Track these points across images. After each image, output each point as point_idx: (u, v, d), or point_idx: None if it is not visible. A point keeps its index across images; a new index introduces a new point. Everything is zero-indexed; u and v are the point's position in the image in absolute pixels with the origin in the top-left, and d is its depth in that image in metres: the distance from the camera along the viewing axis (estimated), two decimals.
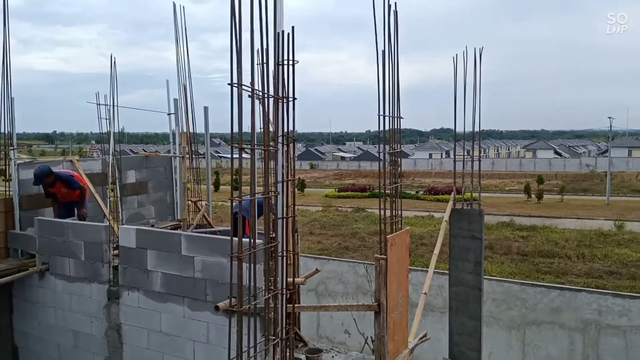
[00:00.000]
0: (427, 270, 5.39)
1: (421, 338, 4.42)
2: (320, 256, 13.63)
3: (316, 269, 4.86)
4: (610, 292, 9.31)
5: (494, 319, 9.22)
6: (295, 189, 5.11)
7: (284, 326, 3.17)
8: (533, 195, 42.01)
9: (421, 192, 47.19)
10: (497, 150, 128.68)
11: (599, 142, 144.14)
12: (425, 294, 4.81)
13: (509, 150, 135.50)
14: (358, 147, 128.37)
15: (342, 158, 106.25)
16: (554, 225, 28.29)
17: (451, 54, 5.63)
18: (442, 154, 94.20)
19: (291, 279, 4.67)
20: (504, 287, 9.23)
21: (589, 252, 20.60)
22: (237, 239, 2.58)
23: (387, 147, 4.09)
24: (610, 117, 46.79)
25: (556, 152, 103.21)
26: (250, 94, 3.00)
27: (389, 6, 3.75)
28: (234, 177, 2.67)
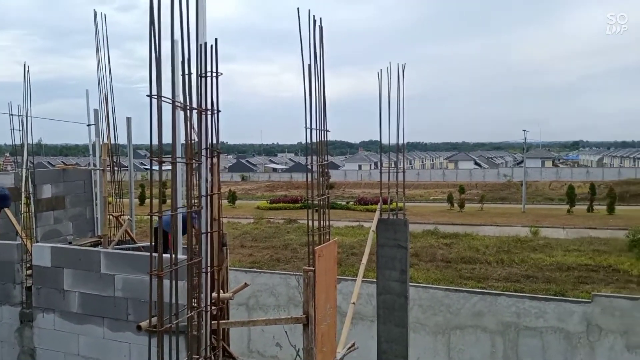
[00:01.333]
0: (357, 280, 5.48)
1: (349, 348, 4.46)
2: (251, 269, 13.45)
3: (245, 283, 4.78)
4: (528, 295, 9.86)
5: (420, 325, 9.48)
6: (222, 202, 5.01)
7: (208, 344, 3.08)
8: (455, 204, 43.97)
9: (351, 203, 48.01)
10: (422, 162, 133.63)
11: (515, 154, 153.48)
12: (353, 303, 4.86)
13: (432, 161, 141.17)
14: (290, 159, 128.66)
15: (274, 169, 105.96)
16: (475, 233, 29.72)
17: (378, 68, 5.81)
18: (371, 165, 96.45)
19: (219, 295, 4.57)
20: (429, 294, 9.52)
21: (508, 258, 21.80)
22: (157, 255, 2.49)
23: (315, 159, 4.12)
24: (524, 130, 49.93)
25: (476, 163, 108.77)
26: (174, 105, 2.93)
27: (314, 21, 3.81)
28: (154, 191, 2.57)
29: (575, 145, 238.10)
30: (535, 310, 8.88)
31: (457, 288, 11.70)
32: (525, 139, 50.53)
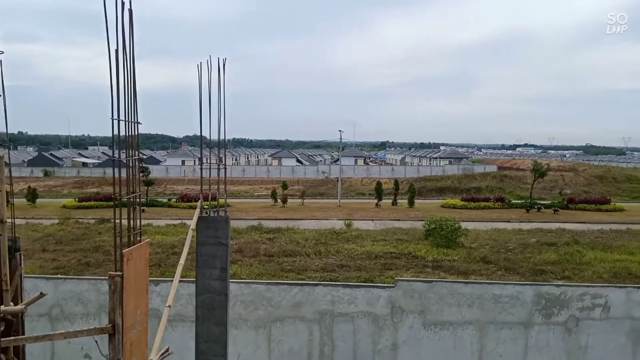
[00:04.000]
0: (174, 281, 5.21)
1: (162, 354, 4.22)
2: (54, 276, 12.01)
3: (40, 293, 4.21)
4: (341, 283, 10.54)
5: (242, 321, 9.50)
6: (18, 201, 4.37)
7: None
8: (279, 200, 45.33)
9: (174, 200, 46.18)
10: (248, 158, 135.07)
11: (332, 152, 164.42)
12: (169, 306, 4.62)
13: (258, 158, 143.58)
14: (103, 153, 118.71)
15: (84, 164, 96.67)
16: (297, 227, 31.02)
17: (200, 61, 5.60)
18: (195, 160, 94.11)
19: (7, 308, 3.93)
20: (251, 289, 9.59)
21: (325, 249, 23.18)
22: None
23: (124, 153, 3.79)
24: (340, 131, 53.55)
25: (298, 161, 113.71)
26: None
27: (122, 3, 3.49)
28: None
29: (383, 146, 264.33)
30: (347, 297, 9.53)
31: (278, 281, 12.01)
32: (341, 138, 54.32)
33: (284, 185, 48.95)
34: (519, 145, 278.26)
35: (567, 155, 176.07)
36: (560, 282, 15.34)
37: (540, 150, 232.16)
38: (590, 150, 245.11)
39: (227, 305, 5.61)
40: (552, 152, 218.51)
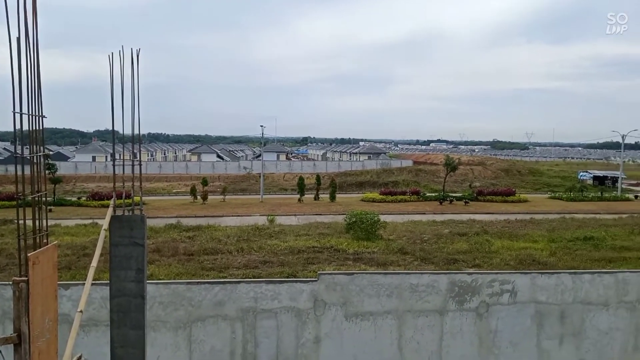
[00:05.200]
0: (85, 285, 4.92)
1: None
2: None
3: None
4: (264, 279, 10.49)
5: (161, 323, 9.20)
6: None
7: None
8: (199, 197, 44.26)
9: (84, 198, 43.68)
10: (165, 154, 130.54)
11: (254, 147, 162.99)
12: (81, 311, 4.36)
13: (176, 153, 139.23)
14: (4, 149, 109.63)
15: None
16: (218, 224, 30.45)
17: (111, 51, 5.31)
18: (107, 156, 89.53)
19: None
20: (170, 289, 9.30)
21: (247, 246, 22.97)
22: None
23: (27, 149, 3.52)
24: (262, 126, 53.21)
25: (219, 156, 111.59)
26: None
27: None
28: None
29: (305, 141, 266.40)
30: (271, 293, 9.51)
31: (198, 280, 11.74)
32: (263, 134, 53.96)
33: (204, 182, 47.85)
34: (432, 141, 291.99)
35: (476, 150, 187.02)
36: (471, 270, 16.28)
37: (452, 146, 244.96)
38: (497, 145, 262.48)
39: (144, 307, 5.40)
40: (463, 147, 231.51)
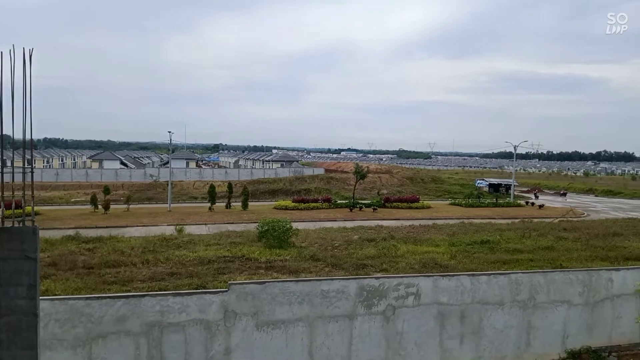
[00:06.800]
0: None
1: None
2: None
3: None
4: (171, 292, 10.09)
5: (57, 341, 8.56)
6: None
7: None
8: (100, 206, 41.78)
9: None
10: (62, 160, 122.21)
11: (161, 154, 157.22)
12: None
13: (75, 160, 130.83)
14: None
15: None
16: (121, 235, 28.93)
17: (5, 50, 4.90)
18: None
19: None
20: (68, 305, 8.68)
21: (153, 257, 21.98)
22: None
23: None
24: (170, 132, 51.37)
25: (122, 163, 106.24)
26: None
27: None
28: None
29: (216, 148, 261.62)
30: (178, 305, 9.19)
31: (99, 295, 11.05)
32: (171, 140, 52.15)
33: (106, 190, 45.26)
34: (343, 150, 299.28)
35: (384, 159, 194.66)
36: (379, 275, 16.82)
37: (361, 154, 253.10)
38: (402, 154, 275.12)
39: (37, 326, 5.01)
40: (371, 155, 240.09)
